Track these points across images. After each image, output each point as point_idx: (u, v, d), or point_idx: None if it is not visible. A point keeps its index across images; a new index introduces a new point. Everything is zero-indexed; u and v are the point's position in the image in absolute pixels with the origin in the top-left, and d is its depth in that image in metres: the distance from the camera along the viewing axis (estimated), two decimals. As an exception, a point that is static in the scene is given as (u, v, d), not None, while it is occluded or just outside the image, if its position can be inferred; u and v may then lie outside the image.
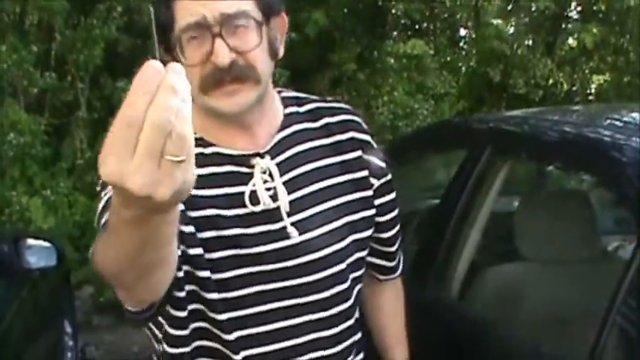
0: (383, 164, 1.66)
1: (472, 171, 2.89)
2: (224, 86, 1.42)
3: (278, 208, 1.49)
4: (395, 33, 9.96)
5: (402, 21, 9.98)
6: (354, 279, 1.61)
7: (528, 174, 4.00)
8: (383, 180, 1.66)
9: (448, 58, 9.16)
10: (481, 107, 8.80)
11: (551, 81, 9.10)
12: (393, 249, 1.78)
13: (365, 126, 1.67)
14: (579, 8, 9.09)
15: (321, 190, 1.55)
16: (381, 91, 8.23)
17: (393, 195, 1.70)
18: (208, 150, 1.50)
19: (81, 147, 7.43)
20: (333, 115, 1.62)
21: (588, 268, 2.61)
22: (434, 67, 8.45)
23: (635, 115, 2.76)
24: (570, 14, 9.43)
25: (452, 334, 2.64)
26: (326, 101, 1.67)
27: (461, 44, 10.00)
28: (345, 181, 1.59)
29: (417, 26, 9.89)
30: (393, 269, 1.84)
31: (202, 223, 1.44)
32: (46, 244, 3.95)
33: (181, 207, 1.27)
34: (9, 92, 7.11)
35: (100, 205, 1.42)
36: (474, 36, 9.22)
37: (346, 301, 1.59)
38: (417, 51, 8.19)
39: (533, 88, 8.64)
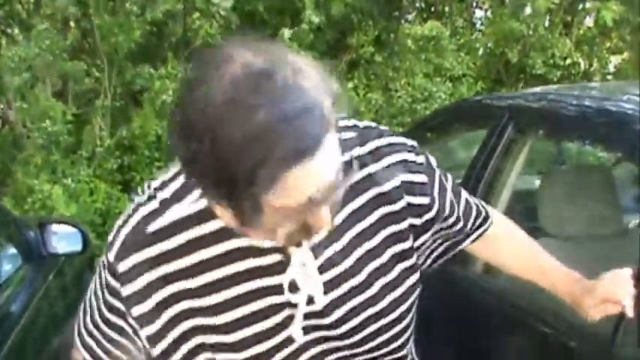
0: (426, 200, 1.49)
1: (494, 149, 2.90)
2: (314, 232, 1.26)
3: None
4: (411, 15, 9.94)
5: (418, 4, 9.95)
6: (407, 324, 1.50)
7: (550, 150, 4.00)
8: (427, 216, 1.50)
9: (465, 39, 9.12)
10: (499, 88, 8.77)
11: (569, 61, 9.04)
12: (469, 220, 1.66)
13: (416, 158, 1.49)
14: (597, -14, 9.03)
15: (360, 258, 1.41)
16: (399, 74, 8.23)
17: (446, 213, 1.57)
18: (240, 243, 1.33)
19: (100, 135, 7.48)
20: (377, 160, 1.42)
21: (611, 244, 2.62)
22: (451, 49, 8.43)
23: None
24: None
25: (477, 307, 2.67)
26: (379, 135, 1.44)
27: (478, 25, 9.96)
28: (384, 238, 1.43)
29: (432, 8, 9.86)
30: (481, 223, 1.70)
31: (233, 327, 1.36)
32: (72, 229, 3.97)
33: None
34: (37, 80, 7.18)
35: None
36: (490, 17, 9.18)
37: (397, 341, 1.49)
38: (433, 32, 8.18)
39: (551, 68, 8.60)
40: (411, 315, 1.50)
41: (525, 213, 2.93)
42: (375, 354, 1.46)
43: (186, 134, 1.13)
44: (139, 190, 1.43)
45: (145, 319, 1.37)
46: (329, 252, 1.37)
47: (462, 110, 3.82)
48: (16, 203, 6.80)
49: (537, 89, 3.60)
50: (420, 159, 1.50)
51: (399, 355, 1.51)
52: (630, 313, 1.57)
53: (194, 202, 1.34)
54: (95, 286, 1.45)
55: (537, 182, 3.35)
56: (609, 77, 9.45)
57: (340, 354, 1.44)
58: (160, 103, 7.25)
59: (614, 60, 9.72)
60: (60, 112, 6.97)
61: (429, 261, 1.63)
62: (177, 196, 1.36)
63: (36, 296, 3.56)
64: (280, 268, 1.35)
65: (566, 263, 1.73)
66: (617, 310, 1.59)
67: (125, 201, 7.21)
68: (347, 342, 1.42)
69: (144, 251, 1.34)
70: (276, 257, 1.34)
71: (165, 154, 7.43)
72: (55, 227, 3.94)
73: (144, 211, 1.37)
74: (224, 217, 1.25)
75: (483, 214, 1.71)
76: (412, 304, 1.50)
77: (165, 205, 1.36)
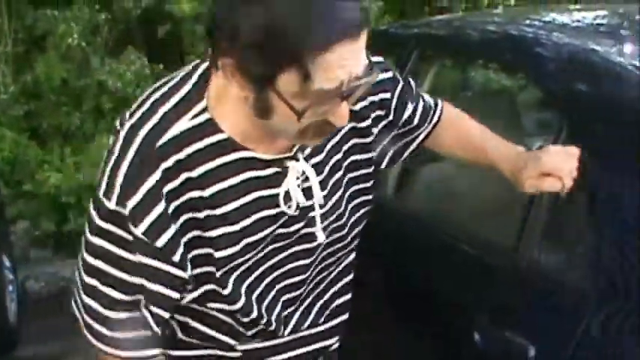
0: (383, 112, 1.67)
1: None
2: (324, 134, 1.40)
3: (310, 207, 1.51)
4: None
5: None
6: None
7: (456, 77, 4.05)
8: (384, 122, 1.69)
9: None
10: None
11: (473, -7, 9.10)
12: (419, 118, 1.81)
13: (384, 77, 1.66)
14: None
15: (343, 174, 1.60)
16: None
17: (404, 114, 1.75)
18: (242, 155, 1.42)
19: (4, 81, 7.28)
20: None
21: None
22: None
23: (554, 14, 2.83)
24: None
25: (389, 227, 2.73)
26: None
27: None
28: (353, 145, 1.61)
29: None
30: (433, 115, 1.85)
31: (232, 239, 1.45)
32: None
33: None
34: None
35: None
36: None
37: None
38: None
39: (455, 0, 8.66)
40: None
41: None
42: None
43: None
44: (117, 124, 1.44)
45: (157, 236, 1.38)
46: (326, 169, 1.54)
47: (369, 40, 3.83)
48: None
49: (442, 17, 3.64)
50: (388, 75, 1.69)
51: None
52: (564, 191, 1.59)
53: (195, 116, 1.39)
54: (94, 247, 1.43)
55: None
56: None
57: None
58: (66, 46, 7.07)
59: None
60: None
61: (387, 159, 1.77)
62: (177, 112, 1.39)
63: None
64: (277, 180, 1.45)
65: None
66: (557, 187, 1.60)
67: (34, 148, 7.05)
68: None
69: (153, 175, 1.35)
70: (274, 170, 1.44)
71: (72, 99, 7.27)
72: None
73: (144, 130, 1.38)
74: (258, 105, 1.29)
75: (433, 104, 1.86)
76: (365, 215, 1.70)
77: (167, 119, 1.39)
